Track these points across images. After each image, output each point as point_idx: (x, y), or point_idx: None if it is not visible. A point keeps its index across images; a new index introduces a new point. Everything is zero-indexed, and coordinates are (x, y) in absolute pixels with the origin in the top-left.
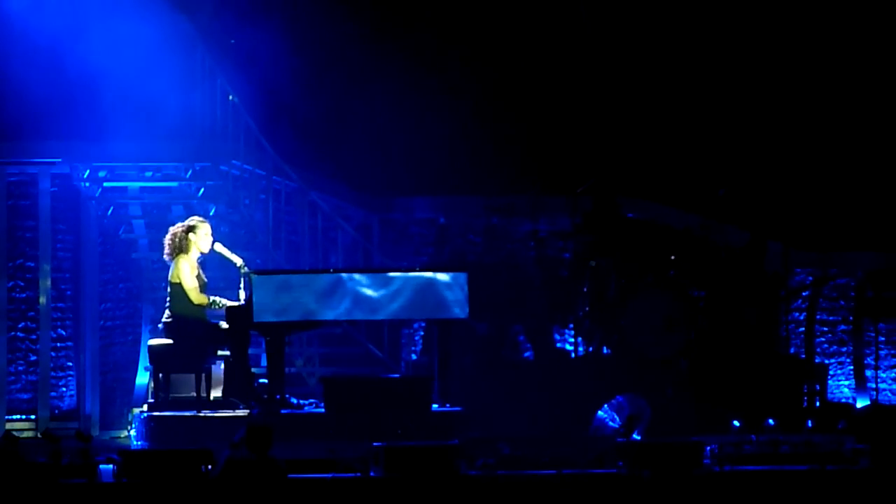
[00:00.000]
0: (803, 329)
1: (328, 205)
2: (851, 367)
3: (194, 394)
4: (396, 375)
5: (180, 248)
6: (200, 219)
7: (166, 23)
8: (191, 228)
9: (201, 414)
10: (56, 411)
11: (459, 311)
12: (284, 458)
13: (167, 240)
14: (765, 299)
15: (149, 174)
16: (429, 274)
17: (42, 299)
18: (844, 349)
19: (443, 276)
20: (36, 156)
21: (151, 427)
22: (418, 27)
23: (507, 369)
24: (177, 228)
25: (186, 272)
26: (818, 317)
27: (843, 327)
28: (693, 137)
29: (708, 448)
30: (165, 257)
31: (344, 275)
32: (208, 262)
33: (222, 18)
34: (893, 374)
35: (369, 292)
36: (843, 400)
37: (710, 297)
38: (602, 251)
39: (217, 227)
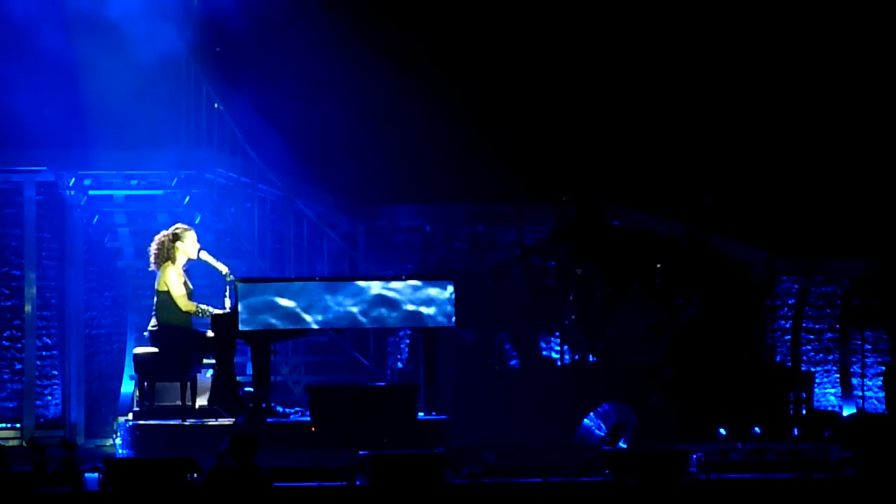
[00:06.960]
0: (789, 337)
1: (314, 213)
2: (837, 376)
3: (179, 402)
4: (382, 384)
5: (167, 256)
6: (185, 226)
7: (152, 31)
8: (177, 236)
9: (186, 422)
10: (41, 420)
11: (445, 319)
12: (270, 466)
13: (153, 248)
14: (750, 307)
15: (134, 182)
16: (415, 282)
17: (27, 308)
18: (831, 357)
19: (429, 285)
20: (21, 164)
21: (137, 435)
22: (405, 35)
23: (493, 377)
24: (162, 237)
25: (174, 279)
26: (804, 325)
27: (829, 335)
28: (679, 145)
29: (694, 456)
30: (151, 266)
31: (330, 283)
32: (194, 270)
33: (208, 27)
34: (879, 382)
35: (355, 300)
36: (830, 408)
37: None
38: (587, 259)
39: (202, 235)
